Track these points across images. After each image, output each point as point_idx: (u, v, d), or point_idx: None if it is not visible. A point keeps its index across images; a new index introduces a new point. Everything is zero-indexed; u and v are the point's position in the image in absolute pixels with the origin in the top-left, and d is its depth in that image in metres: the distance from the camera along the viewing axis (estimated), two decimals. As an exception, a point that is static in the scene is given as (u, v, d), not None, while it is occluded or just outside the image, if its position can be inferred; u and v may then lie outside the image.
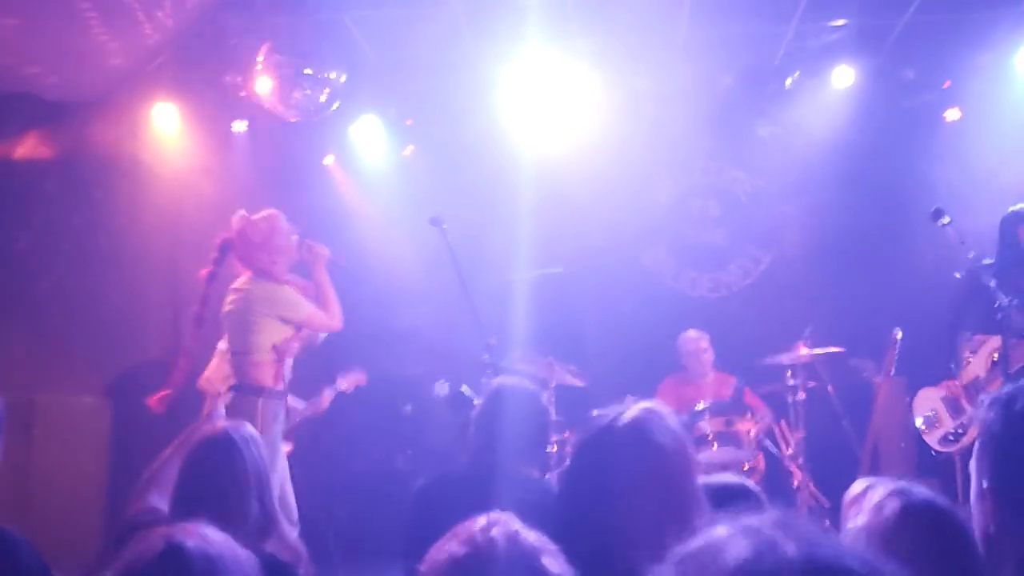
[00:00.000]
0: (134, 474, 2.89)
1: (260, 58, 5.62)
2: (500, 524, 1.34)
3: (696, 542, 0.84)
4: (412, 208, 6.15)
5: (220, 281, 4.52)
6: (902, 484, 1.80)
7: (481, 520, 1.35)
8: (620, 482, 1.85)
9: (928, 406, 5.18)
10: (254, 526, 2.37)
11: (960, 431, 4.96)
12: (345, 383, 5.91)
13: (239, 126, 7.01)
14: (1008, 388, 1.44)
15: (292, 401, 5.83)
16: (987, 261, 4.71)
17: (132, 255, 6.75)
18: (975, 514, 1.53)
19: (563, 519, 1.92)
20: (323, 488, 6.74)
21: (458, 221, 5.27)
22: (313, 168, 7.27)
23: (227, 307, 4.41)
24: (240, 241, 4.44)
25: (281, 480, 4.33)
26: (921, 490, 1.76)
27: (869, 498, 1.79)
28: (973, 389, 5.03)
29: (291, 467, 5.84)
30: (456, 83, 6.52)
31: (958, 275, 5.15)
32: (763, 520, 0.82)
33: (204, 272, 4.53)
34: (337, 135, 7.06)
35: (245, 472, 2.45)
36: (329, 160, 7.32)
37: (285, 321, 4.39)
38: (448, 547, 1.32)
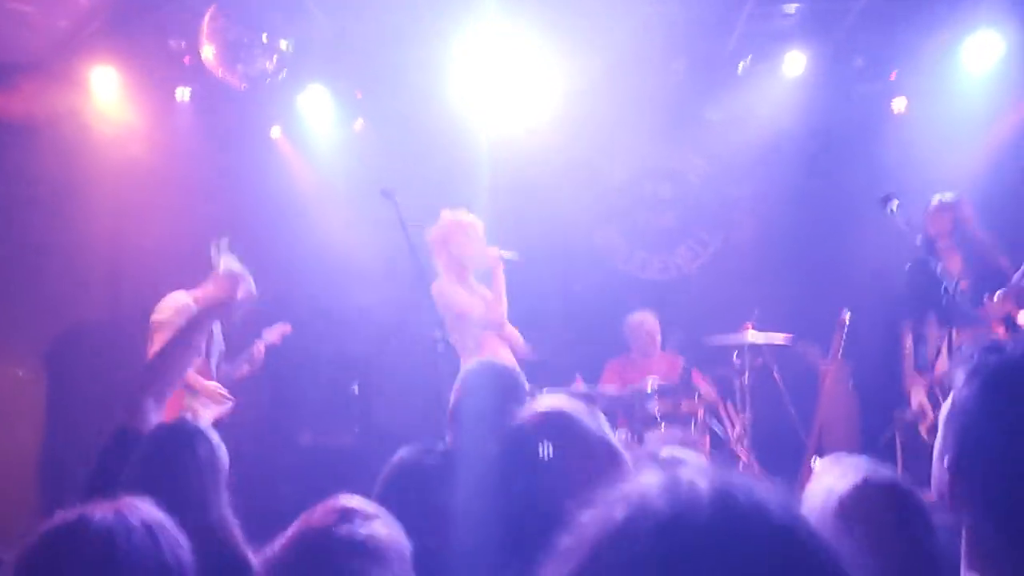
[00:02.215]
0: (68, 447, 2.79)
1: (205, 23, 5.44)
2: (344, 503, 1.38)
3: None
4: (362, 183, 6.04)
5: None
6: (865, 463, 1.82)
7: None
8: (544, 475, 1.84)
9: (918, 398, 5.24)
10: (200, 522, 2.28)
11: None
12: (271, 335, 5.82)
13: (182, 93, 6.78)
14: (991, 360, 1.41)
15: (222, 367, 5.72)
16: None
17: (70, 225, 6.52)
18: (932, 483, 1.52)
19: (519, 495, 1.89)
20: (268, 465, 6.65)
21: (410, 199, 5.18)
22: (259, 138, 7.09)
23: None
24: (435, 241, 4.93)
25: None
26: (883, 470, 1.78)
27: (831, 474, 1.80)
28: (948, 381, 5.02)
29: (229, 437, 5.74)
30: (409, 57, 6.40)
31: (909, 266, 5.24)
32: (689, 467, 0.82)
33: None
34: (284, 105, 6.89)
35: (199, 467, 2.38)
36: (276, 131, 7.15)
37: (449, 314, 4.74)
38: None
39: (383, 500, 1.77)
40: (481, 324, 4.93)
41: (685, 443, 5.40)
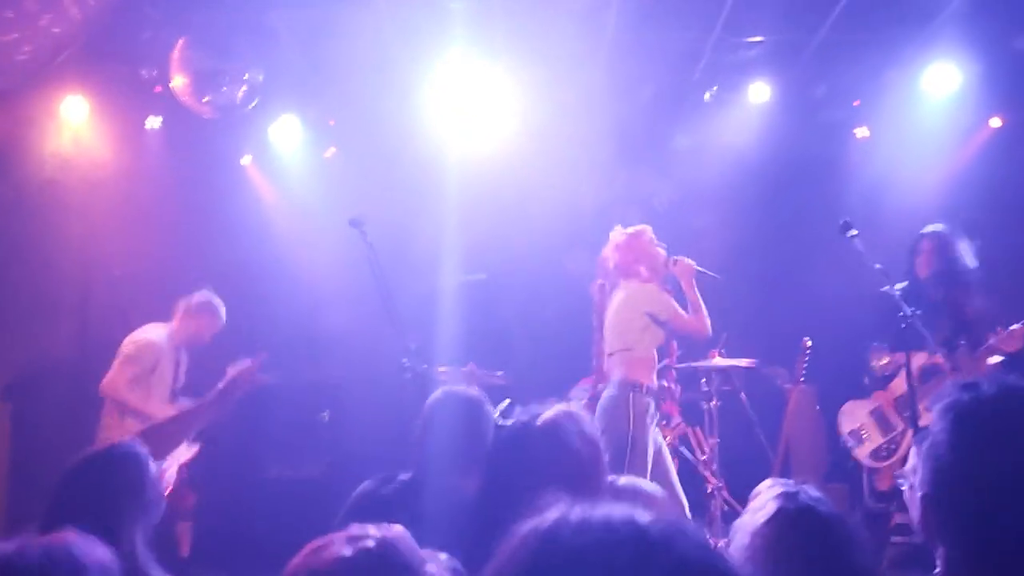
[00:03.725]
0: (35, 476, 2.77)
1: (176, 53, 5.46)
2: (383, 530, 1.35)
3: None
4: (333, 211, 6.06)
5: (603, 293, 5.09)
6: (790, 487, 1.84)
7: (370, 527, 1.35)
8: (533, 481, 1.85)
9: (855, 421, 5.30)
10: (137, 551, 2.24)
11: (892, 446, 5.08)
12: (236, 372, 5.80)
13: (153, 122, 6.79)
14: (965, 398, 1.47)
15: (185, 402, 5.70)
16: (900, 285, 4.89)
17: (40, 254, 6.48)
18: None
19: (479, 516, 1.92)
20: (235, 496, 6.59)
21: (381, 225, 5.21)
22: (230, 168, 7.10)
23: (611, 310, 4.88)
24: (620, 253, 4.95)
25: (664, 470, 4.67)
26: (807, 495, 1.81)
27: (758, 499, 1.83)
28: (902, 403, 5.11)
29: (200, 474, 5.72)
30: (380, 85, 6.45)
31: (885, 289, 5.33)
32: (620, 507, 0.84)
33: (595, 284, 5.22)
34: (256, 135, 6.91)
35: (116, 493, 2.31)
36: (247, 160, 7.16)
37: (655, 319, 4.78)
38: (335, 547, 1.31)
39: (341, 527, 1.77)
40: (692, 334, 4.90)
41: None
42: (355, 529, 1.35)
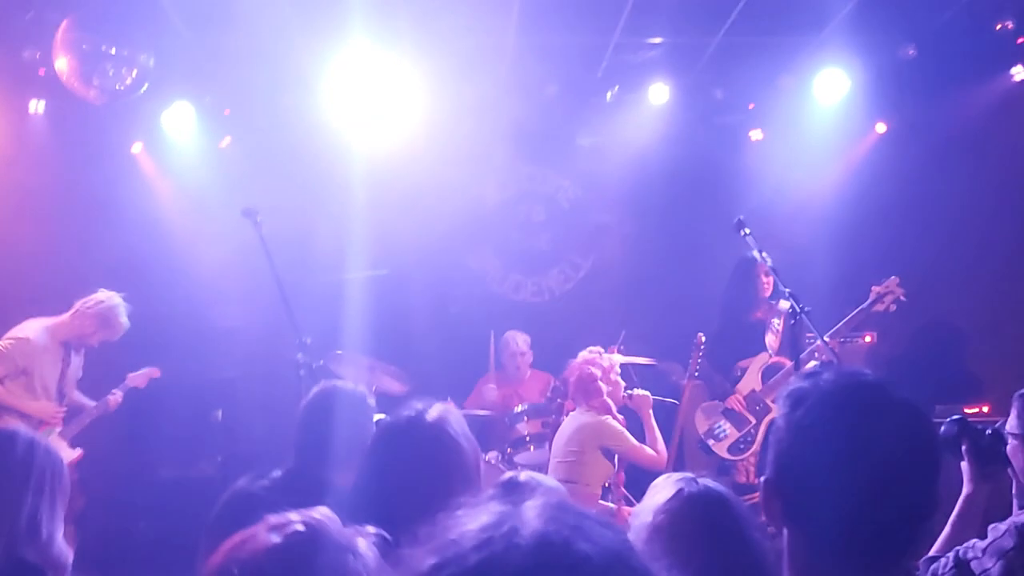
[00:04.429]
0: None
1: (59, 34, 5.20)
2: (316, 514, 1.33)
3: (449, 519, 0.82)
4: (229, 202, 5.88)
5: None
6: (685, 477, 1.91)
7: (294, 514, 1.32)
8: (416, 473, 1.84)
9: (711, 419, 5.57)
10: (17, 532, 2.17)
11: (749, 439, 5.36)
12: (137, 379, 5.65)
13: (36, 105, 6.46)
14: (804, 385, 1.51)
15: (80, 397, 5.49)
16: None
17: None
18: None
19: (359, 506, 1.89)
20: (124, 497, 6.36)
21: (280, 218, 5.09)
22: (120, 156, 6.81)
23: (562, 435, 4.71)
24: (585, 375, 4.77)
25: None
26: (701, 482, 1.88)
27: (655, 491, 1.88)
28: (751, 401, 5.46)
29: (88, 475, 5.49)
30: (278, 74, 6.29)
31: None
32: (523, 503, 0.81)
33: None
34: (147, 122, 6.65)
35: (22, 474, 2.25)
36: (137, 148, 6.89)
37: (607, 453, 4.58)
38: (261, 537, 1.26)
39: (214, 528, 1.72)
40: (648, 466, 4.61)
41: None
42: (275, 518, 1.32)
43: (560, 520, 0.79)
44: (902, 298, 5.20)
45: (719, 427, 5.50)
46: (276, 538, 1.31)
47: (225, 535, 1.49)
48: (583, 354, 4.88)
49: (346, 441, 2.83)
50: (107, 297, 5.41)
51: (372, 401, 3.06)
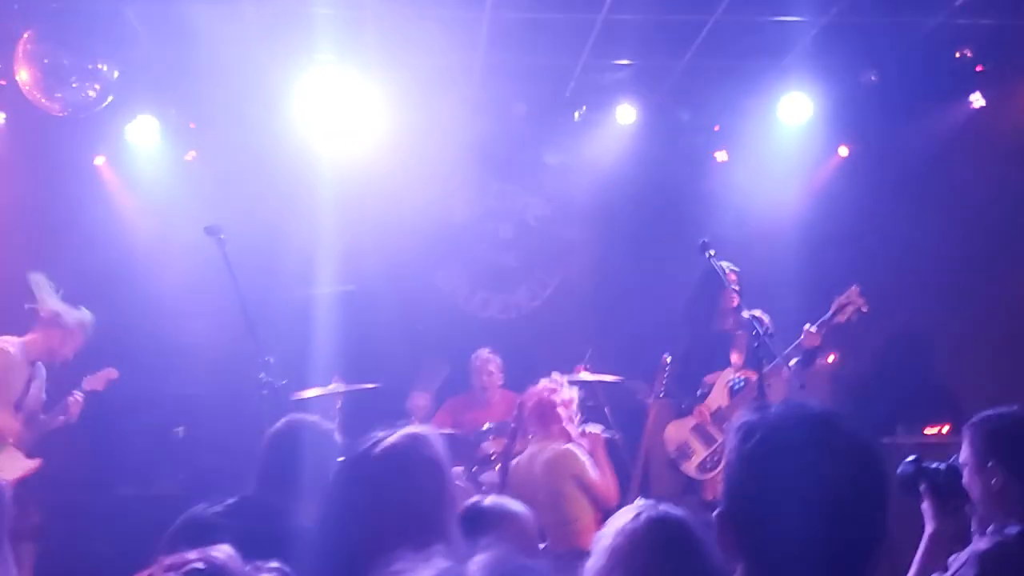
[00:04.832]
0: None
1: (21, 45, 5.12)
2: (215, 552, 1.31)
3: None
4: (193, 217, 5.82)
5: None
6: (646, 502, 1.93)
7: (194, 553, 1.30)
8: (373, 510, 1.82)
9: (680, 437, 5.50)
10: None
11: (716, 458, 5.31)
12: (94, 382, 5.54)
13: (-3, 117, 6.37)
14: (753, 419, 1.52)
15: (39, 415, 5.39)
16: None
17: None
18: None
19: (321, 546, 1.86)
20: (84, 513, 6.24)
21: (246, 234, 5.04)
22: (82, 169, 6.72)
23: (529, 471, 4.49)
24: (546, 404, 4.58)
25: None
26: (662, 507, 1.90)
27: (616, 516, 1.89)
28: (718, 417, 5.42)
29: (48, 491, 5.38)
30: (244, 90, 6.24)
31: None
32: (469, 560, 0.80)
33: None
34: (111, 135, 6.57)
35: None
36: (100, 161, 6.80)
37: (580, 482, 4.39)
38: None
39: (167, 551, 1.67)
40: (606, 500, 4.44)
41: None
42: (173, 558, 1.29)
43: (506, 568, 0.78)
44: (863, 309, 5.13)
45: (687, 445, 5.47)
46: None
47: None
48: (544, 382, 4.70)
49: (309, 477, 2.80)
50: (53, 300, 5.33)
51: (339, 438, 3.03)
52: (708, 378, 5.55)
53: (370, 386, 5.85)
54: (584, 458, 4.47)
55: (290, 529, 2.40)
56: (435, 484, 1.87)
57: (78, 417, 5.51)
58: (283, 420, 3.06)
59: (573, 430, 4.61)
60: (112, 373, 5.69)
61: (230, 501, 2.71)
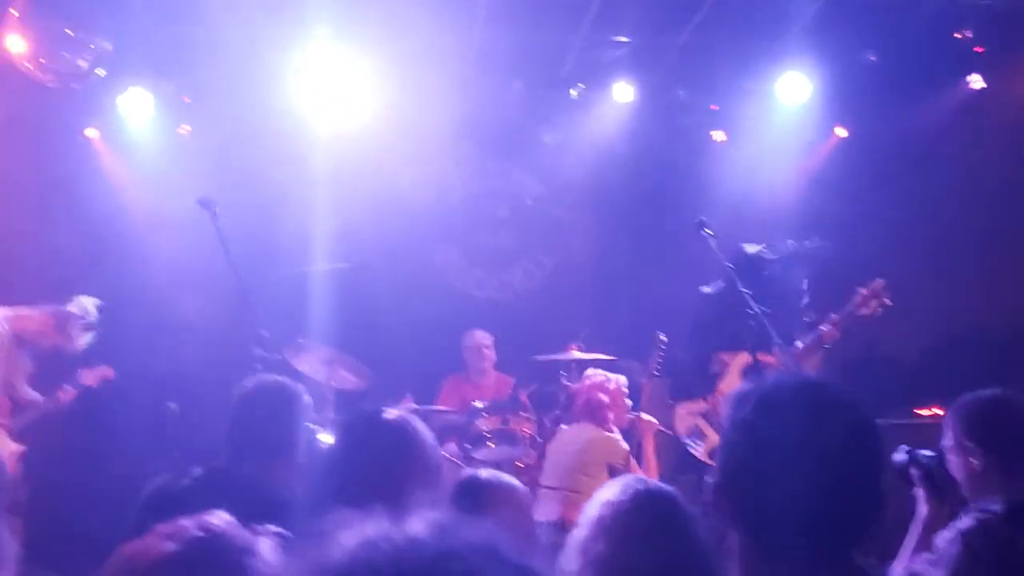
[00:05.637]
0: None
1: (15, 13, 5.06)
2: (212, 519, 1.29)
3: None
4: (187, 191, 5.78)
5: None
6: (632, 479, 1.94)
7: (190, 520, 1.28)
8: (378, 470, 1.83)
9: (690, 422, 5.44)
10: None
11: None
12: (89, 376, 5.50)
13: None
14: (747, 388, 1.52)
15: (29, 393, 5.36)
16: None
17: None
18: None
19: (319, 502, 1.88)
20: (76, 490, 6.22)
21: (240, 209, 5.01)
22: (74, 140, 6.66)
23: (566, 445, 4.76)
24: (595, 394, 4.82)
25: None
26: (651, 482, 1.90)
27: (605, 488, 1.90)
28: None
29: (38, 469, 5.36)
30: (240, 66, 6.18)
31: (707, 289, 5.51)
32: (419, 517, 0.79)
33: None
34: (103, 106, 6.51)
35: None
36: (92, 132, 6.74)
37: (613, 470, 4.50)
38: (157, 545, 1.23)
39: (134, 531, 1.65)
40: None
41: (513, 460, 5.51)
42: (168, 526, 1.28)
43: (439, 526, 0.78)
44: (887, 302, 4.92)
45: (699, 430, 5.40)
46: (173, 546, 1.29)
47: (149, 527, 1.43)
48: (593, 375, 4.93)
49: (277, 438, 2.77)
50: (80, 309, 5.27)
51: (308, 398, 2.98)
52: (724, 355, 5.33)
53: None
54: (626, 452, 4.70)
55: (264, 501, 2.36)
56: (434, 453, 1.89)
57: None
58: (251, 380, 3.00)
59: (621, 422, 4.83)
60: (108, 372, 5.66)
61: (196, 472, 2.67)
